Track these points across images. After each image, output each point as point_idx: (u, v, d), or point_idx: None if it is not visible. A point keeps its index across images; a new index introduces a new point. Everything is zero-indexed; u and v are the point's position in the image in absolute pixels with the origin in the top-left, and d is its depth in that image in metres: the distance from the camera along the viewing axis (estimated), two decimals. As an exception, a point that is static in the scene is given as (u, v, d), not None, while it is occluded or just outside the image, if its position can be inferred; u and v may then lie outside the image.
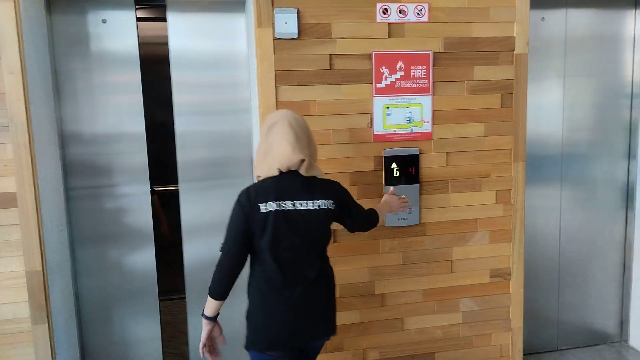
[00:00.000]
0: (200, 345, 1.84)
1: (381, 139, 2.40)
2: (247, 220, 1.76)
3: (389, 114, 2.40)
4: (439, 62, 2.41)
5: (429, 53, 2.39)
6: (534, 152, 2.94)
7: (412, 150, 2.43)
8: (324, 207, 1.81)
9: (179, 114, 2.48)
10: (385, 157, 2.40)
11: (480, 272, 2.59)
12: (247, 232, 1.76)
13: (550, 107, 2.98)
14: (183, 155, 2.51)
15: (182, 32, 2.45)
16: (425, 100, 2.42)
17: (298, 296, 1.79)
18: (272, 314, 1.80)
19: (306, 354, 1.94)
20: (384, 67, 2.36)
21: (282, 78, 2.27)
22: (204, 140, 2.53)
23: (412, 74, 2.39)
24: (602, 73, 3.04)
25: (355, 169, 2.39)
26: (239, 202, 1.79)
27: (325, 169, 2.33)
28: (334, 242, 2.39)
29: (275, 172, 1.80)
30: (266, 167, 1.82)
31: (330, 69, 2.31)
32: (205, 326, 1.82)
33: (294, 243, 1.78)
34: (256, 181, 1.87)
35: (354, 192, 2.36)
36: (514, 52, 2.47)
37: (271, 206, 1.75)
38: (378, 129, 2.40)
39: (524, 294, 2.64)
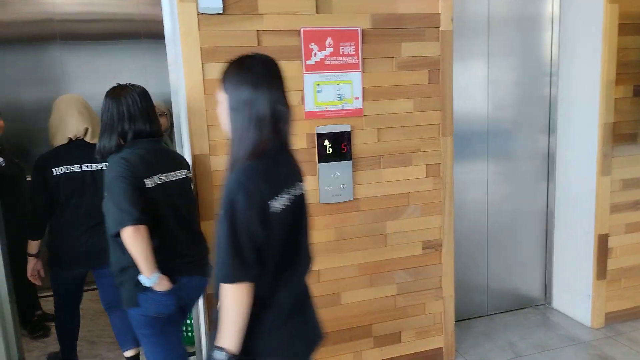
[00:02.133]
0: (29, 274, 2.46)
1: (313, 116, 2.40)
2: (44, 180, 2.30)
3: (319, 91, 2.40)
4: (367, 38, 2.43)
5: (357, 29, 2.40)
6: (462, 128, 3.04)
7: (344, 127, 2.45)
8: (105, 167, 2.20)
9: None
10: (317, 134, 2.41)
11: (412, 244, 2.67)
12: (45, 189, 2.31)
13: (475, 85, 3.10)
14: None
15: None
16: (355, 77, 2.44)
17: (86, 236, 2.35)
18: (64, 250, 2.39)
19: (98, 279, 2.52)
20: (313, 44, 2.35)
21: (209, 55, 2.21)
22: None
23: (341, 50, 2.39)
24: (524, 52, 3.19)
25: (288, 146, 2.37)
26: (36, 166, 2.34)
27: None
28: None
29: (66, 141, 2.35)
30: (59, 137, 2.35)
31: (258, 45, 2.27)
32: (30, 262, 2.43)
33: (82, 197, 2.34)
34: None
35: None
36: (440, 28, 2.53)
37: (61, 170, 2.32)
38: (309, 106, 2.39)
39: (454, 264, 2.75)
